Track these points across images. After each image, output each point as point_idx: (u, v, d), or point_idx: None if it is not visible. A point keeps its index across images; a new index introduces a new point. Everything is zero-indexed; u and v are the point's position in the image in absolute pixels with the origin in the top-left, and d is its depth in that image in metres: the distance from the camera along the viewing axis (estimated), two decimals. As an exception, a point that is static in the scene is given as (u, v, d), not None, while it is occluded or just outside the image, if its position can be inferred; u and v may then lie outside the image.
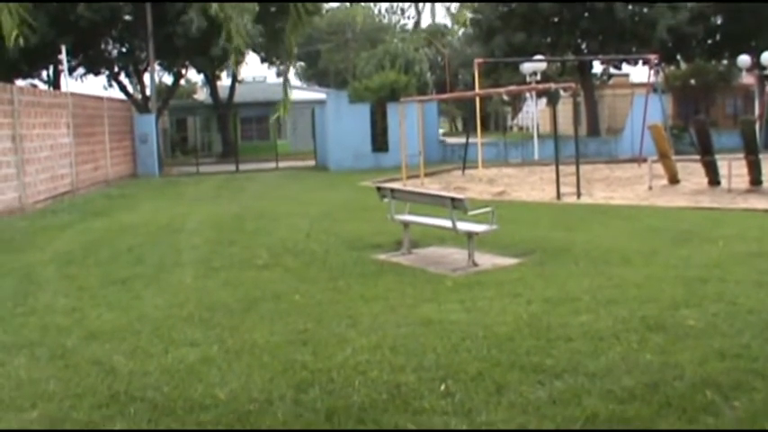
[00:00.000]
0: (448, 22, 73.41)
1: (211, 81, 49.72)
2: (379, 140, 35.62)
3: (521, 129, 71.70)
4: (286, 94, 6.25)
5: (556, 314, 7.90)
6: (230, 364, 6.77)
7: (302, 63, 76.84)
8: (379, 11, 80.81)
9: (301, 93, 59.52)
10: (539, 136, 38.48)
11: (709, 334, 7.05)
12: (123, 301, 9.46)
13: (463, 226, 11.51)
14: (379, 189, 13.44)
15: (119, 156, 33.14)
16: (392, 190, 13.15)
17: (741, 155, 21.01)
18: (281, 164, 39.65)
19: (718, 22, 43.94)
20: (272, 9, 36.39)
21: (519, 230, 13.89)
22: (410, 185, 23.09)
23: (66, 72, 36.80)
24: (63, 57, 32.61)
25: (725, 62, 48.49)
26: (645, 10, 40.47)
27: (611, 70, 50.93)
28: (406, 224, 12.49)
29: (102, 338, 7.75)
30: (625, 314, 7.75)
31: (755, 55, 37.90)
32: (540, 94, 44.24)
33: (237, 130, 48.70)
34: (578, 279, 9.63)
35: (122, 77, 44.06)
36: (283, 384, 6.18)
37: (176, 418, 5.66)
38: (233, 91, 50.21)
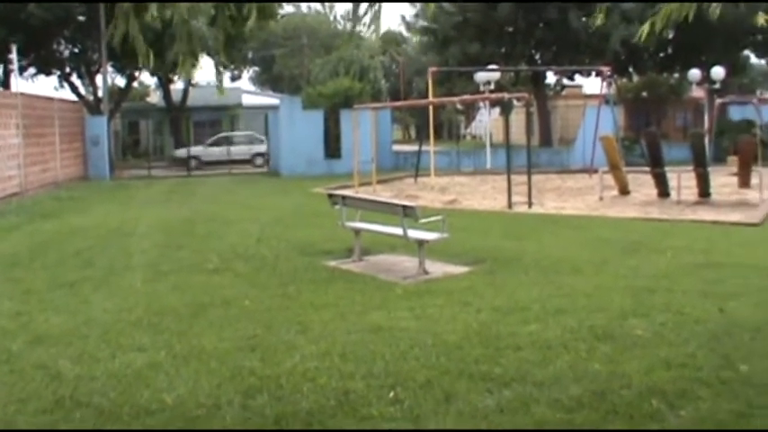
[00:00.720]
0: (403, 30, 73.71)
1: (165, 84, 49.30)
2: (332, 147, 35.63)
3: (474, 138, 72.12)
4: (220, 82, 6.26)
5: (505, 323, 7.94)
6: (178, 369, 6.71)
7: (256, 68, 76.59)
8: (335, 17, 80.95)
9: (255, 98, 59.39)
10: (491, 145, 38.68)
11: (656, 343, 7.13)
12: (71, 305, 9.33)
13: (414, 234, 11.52)
14: (330, 196, 13.43)
15: (69, 158, 32.71)
16: (344, 197, 13.15)
17: (690, 167, 21.27)
18: (234, 169, 39.48)
19: (670, 35, 44.56)
20: (228, 13, 36.17)
21: (470, 239, 13.94)
22: (362, 192, 23.09)
23: (17, 72, 36.27)
24: (13, 56, 32.15)
25: (676, 75, 49.19)
26: (598, 22, 40.91)
27: (565, 81, 51.38)
28: (357, 231, 12.48)
29: (49, 343, 7.64)
30: (574, 323, 7.81)
31: (705, 69, 38.51)
32: (493, 104, 44.45)
33: (190, 134, 48.34)
34: (528, 288, 9.69)
35: (74, 78, 43.50)
36: (231, 390, 6.14)
37: (122, 423, 5.59)
38: (186, 94, 49.83)
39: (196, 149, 44.58)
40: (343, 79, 40.02)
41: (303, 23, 71.35)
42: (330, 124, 35.69)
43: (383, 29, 75.03)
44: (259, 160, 43.87)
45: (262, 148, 43.95)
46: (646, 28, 6.65)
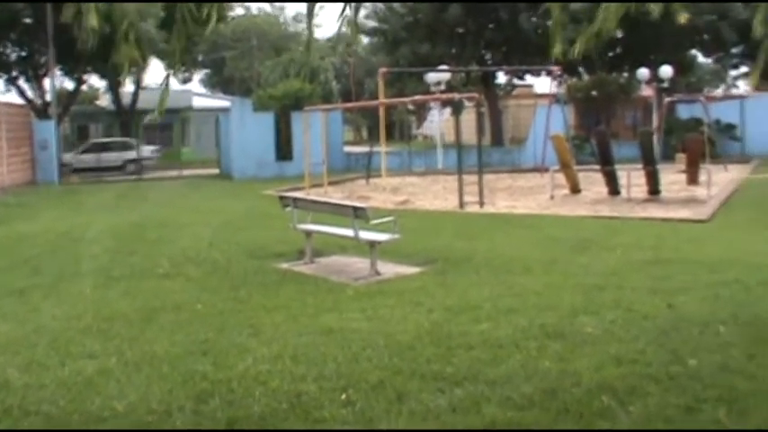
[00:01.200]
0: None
1: (114, 87, 48.76)
2: (283, 149, 35.57)
3: (425, 138, 72.23)
4: (163, 98, 6.19)
5: (457, 322, 7.98)
6: (129, 375, 6.65)
7: (207, 70, 76.12)
8: (285, 19, 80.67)
9: (205, 100, 58.96)
10: (443, 145, 38.76)
11: (606, 340, 7.20)
12: (19, 313, 9.21)
13: (365, 235, 11.53)
14: (281, 198, 13.40)
15: (16, 162, 32.26)
16: (295, 199, 13.13)
17: (640, 165, 21.51)
18: (185, 172, 39.16)
19: (619, 35, 44.98)
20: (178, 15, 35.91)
21: (421, 239, 13.98)
22: (313, 194, 23.05)
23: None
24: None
25: (625, 75, 49.68)
26: (549, 23, 41.19)
27: (515, 81, 51.73)
28: (308, 233, 12.46)
29: (-4, 351, 7.53)
30: (525, 322, 7.86)
31: (654, 68, 38.94)
32: (444, 104, 44.56)
33: (140, 137, 47.84)
34: (479, 288, 9.74)
35: (21, 82, 42.88)
36: (183, 395, 6.09)
37: (72, 431, 5.53)
38: (136, 97, 49.29)
39: (67, 156, 40.81)
40: (294, 81, 39.97)
41: (253, 25, 71.11)
42: (281, 126, 35.63)
43: (333, 30, 74.95)
44: (131, 167, 40.56)
45: (133, 154, 41.08)
46: (578, 47, 6.79)
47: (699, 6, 38.06)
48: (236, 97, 50.35)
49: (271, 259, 12.45)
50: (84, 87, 47.25)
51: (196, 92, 63.19)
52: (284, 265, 11.94)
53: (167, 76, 6.31)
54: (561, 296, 9.05)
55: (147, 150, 43.19)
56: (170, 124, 53.23)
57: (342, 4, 5.89)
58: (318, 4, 6.19)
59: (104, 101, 56.87)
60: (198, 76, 75.76)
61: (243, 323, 8.28)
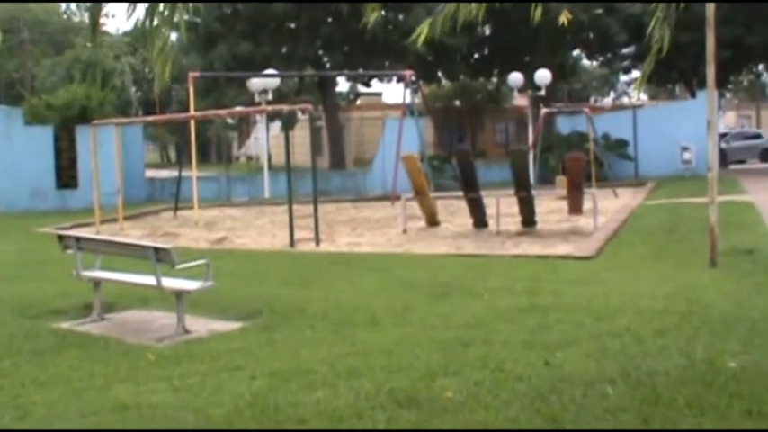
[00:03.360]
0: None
1: None
2: (66, 174, 34.81)
3: (249, 160, 72.21)
4: None
5: (285, 391, 7.94)
6: None
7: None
8: (68, 6, 79.16)
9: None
10: (270, 168, 38.84)
11: (471, 407, 7.29)
12: None
13: (171, 283, 11.39)
14: (61, 238, 13.07)
15: None
16: (78, 238, 12.84)
17: (512, 191, 21.90)
18: None
19: (486, 32, 45.90)
20: None
21: (243, 287, 13.92)
22: (105, 232, 22.63)
23: None
24: None
25: (494, 80, 50.89)
26: (400, 17, 41.82)
27: (360, 88, 52.29)
28: (97, 282, 12.22)
29: None
30: (370, 387, 7.89)
31: (529, 73, 39.86)
32: (272, 117, 44.69)
33: None
34: (314, 346, 9.73)
35: None
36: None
37: None
38: None
39: None
40: (80, 86, 39.22)
41: (24, 12, 69.43)
42: (62, 145, 34.87)
43: (132, 21, 74.06)
44: None
45: None
46: (423, 30, 6.92)
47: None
48: (1, 106, 49.05)
49: (47, 318, 12.13)
50: None
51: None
52: (65, 325, 11.66)
53: None
54: (416, 354, 9.12)
55: None
56: None
57: None
58: None
59: None
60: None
61: (6, 403, 8.02)
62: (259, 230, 25.00)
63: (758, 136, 59.90)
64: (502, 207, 21.36)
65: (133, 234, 23.73)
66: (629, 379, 7.97)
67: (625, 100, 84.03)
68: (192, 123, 31.24)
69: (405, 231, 22.40)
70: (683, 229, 19.78)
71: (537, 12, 7.86)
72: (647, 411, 7.05)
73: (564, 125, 41.92)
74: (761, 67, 59.51)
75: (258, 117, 48.72)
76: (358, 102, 54.58)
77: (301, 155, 36.98)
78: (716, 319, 10.45)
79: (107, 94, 38.74)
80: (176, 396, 8.01)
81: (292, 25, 42.68)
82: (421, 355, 9.11)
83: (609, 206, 26.12)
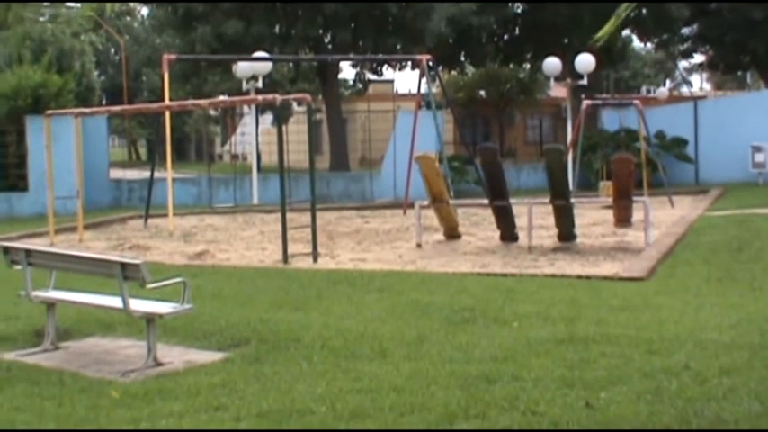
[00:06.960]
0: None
1: None
2: (13, 174, 34.88)
3: (235, 158, 72.22)
4: None
5: (276, 436, 7.94)
6: None
7: None
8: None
9: None
10: (260, 170, 38.85)
11: (497, 458, 7.28)
12: None
13: (140, 305, 11.36)
14: (6, 251, 13.04)
15: None
16: (28, 251, 12.81)
17: (547, 198, 21.84)
18: None
19: (518, 8, 45.54)
20: None
21: (226, 310, 13.91)
22: (61, 244, 22.64)
23: None
24: None
25: (527, 66, 50.66)
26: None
27: (368, 75, 52.17)
28: (50, 304, 12.20)
29: None
30: (377, 432, 7.89)
31: (568, 57, 39.59)
32: (262, 109, 44.76)
33: None
34: (311, 382, 9.73)
35: None
36: None
37: None
38: None
39: None
40: (32, 69, 39.25)
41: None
42: (7, 139, 34.96)
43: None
44: None
45: None
46: None
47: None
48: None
49: (-11, 345, 12.15)
50: None
51: None
52: (10, 356, 11.66)
53: None
54: (431, 392, 9.12)
55: None
56: None
57: None
58: None
59: None
60: None
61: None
62: (246, 243, 24.99)
63: None
64: (535, 217, 21.29)
65: (95, 246, 23.74)
66: (689, 427, 7.93)
67: (684, 90, 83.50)
68: (167, 115, 31.21)
69: (419, 245, 22.35)
70: (755, 247, 19.69)
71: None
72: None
73: (610, 120, 41.58)
74: None
75: (246, 108, 48.69)
76: (366, 92, 54.38)
77: (297, 153, 36.96)
78: (794, 354, 10.43)
79: (66, 80, 38.69)
80: (144, 442, 8.02)
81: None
82: (437, 393, 9.09)
83: (663, 217, 26.09)
